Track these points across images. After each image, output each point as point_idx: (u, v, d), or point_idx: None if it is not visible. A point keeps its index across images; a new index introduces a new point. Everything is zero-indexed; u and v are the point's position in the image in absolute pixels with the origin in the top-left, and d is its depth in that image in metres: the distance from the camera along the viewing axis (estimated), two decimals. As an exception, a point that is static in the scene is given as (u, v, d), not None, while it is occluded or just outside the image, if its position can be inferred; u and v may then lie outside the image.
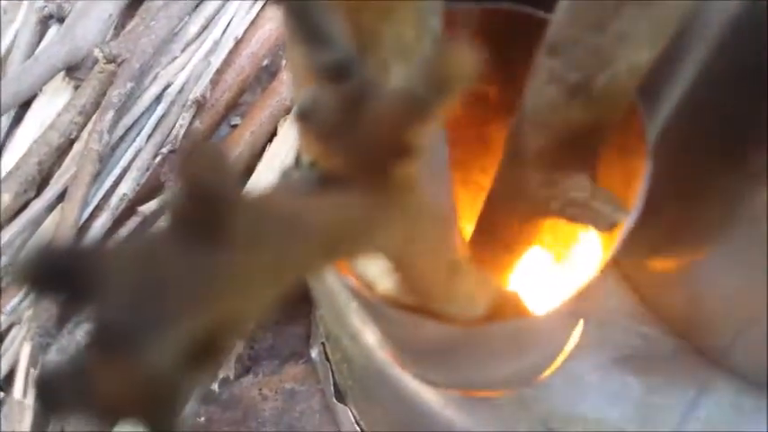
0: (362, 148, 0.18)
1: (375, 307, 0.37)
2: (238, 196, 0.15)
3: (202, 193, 0.14)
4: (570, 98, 0.33)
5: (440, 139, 0.36)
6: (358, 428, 0.73)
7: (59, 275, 0.13)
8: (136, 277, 0.14)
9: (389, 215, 0.19)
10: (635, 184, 0.39)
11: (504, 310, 0.37)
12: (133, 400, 0.13)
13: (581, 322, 0.55)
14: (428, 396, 0.54)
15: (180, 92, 0.89)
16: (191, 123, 0.88)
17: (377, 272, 0.29)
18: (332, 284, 0.57)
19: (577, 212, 0.37)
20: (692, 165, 0.48)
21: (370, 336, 0.56)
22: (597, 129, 0.35)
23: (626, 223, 0.35)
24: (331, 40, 0.17)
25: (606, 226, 0.36)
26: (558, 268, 0.56)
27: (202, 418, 0.81)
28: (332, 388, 0.77)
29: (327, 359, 0.76)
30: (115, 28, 0.99)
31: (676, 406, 0.54)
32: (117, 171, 0.83)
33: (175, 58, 0.91)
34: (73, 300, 0.13)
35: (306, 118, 0.18)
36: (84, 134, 0.87)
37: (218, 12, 0.95)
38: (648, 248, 0.55)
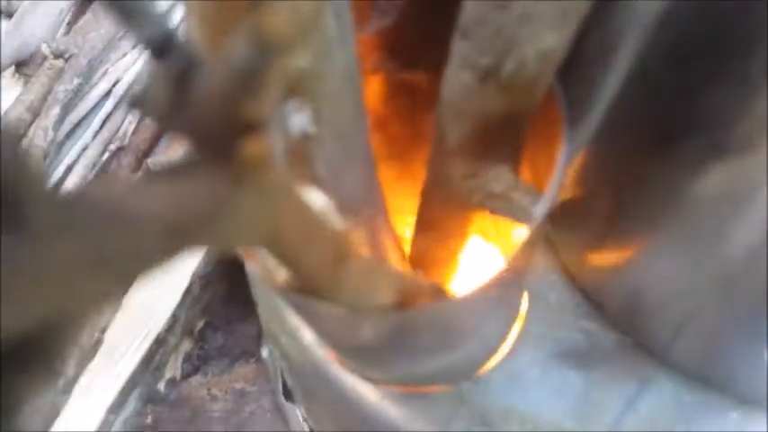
0: (201, 128, 0.17)
1: (294, 301, 0.36)
2: (35, 183, 0.14)
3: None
4: (482, 84, 0.32)
5: (357, 124, 0.35)
6: (306, 427, 0.72)
7: None
8: None
9: (241, 201, 0.18)
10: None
11: (420, 297, 0.37)
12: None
13: (520, 316, 0.55)
14: (366, 392, 0.54)
15: (129, 88, 0.87)
16: (140, 120, 0.86)
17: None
18: (268, 281, 0.56)
19: (498, 204, 0.37)
20: (629, 158, 0.48)
21: (307, 333, 0.55)
22: (514, 117, 0.35)
23: (540, 211, 0.34)
24: (146, 14, 0.16)
25: (525, 218, 0.35)
26: (502, 260, 0.56)
27: (149, 419, 0.80)
28: (281, 387, 0.76)
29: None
30: (68, 24, 0.97)
31: (617, 400, 0.53)
32: (62, 168, 0.82)
33: (125, 53, 0.90)
34: None
35: (137, 103, 0.17)
36: (32, 131, 0.85)
37: (170, 7, 0.94)
38: (589, 242, 0.55)
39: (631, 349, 0.55)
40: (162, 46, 0.16)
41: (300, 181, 0.23)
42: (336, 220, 0.26)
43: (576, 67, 0.37)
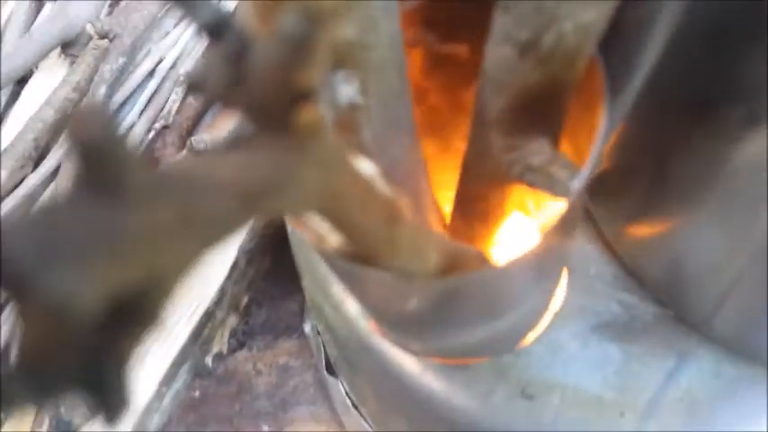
0: (257, 102, 0.18)
1: (343, 269, 0.37)
2: (130, 156, 0.15)
3: (94, 154, 0.14)
4: (522, 57, 0.33)
5: (401, 95, 0.36)
6: (348, 401, 0.73)
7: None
8: (39, 234, 0.14)
9: (302, 168, 0.19)
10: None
11: (465, 263, 0.37)
12: (60, 353, 0.13)
13: (560, 288, 0.55)
14: (408, 364, 0.55)
15: (172, 67, 0.89)
16: (183, 98, 0.88)
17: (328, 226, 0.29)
18: (312, 253, 0.58)
19: (536, 178, 0.37)
20: (668, 129, 0.48)
21: (351, 305, 0.56)
22: (554, 90, 0.35)
23: (577, 185, 0.35)
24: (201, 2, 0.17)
25: (563, 192, 0.35)
26: (542, 234, 0.56)
27: (197, 392, 0.82)
28: (323, 361, 0.77)
29: (319, 332, 0.76)
30: (110, 5, 0.99)
31: (656, 373, 0.54)
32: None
33: (168, 33, 0.91)
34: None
35: (196, 85, 0.18)
36: (79, 110, 0.87)
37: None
38: (628, 214, 0.55)
39: (671, 322, 0.55)
40: (217, 28, 0.17)
41: (349, 149, 0.24)
42: (383, 187, 0.27)
43: (615, 39, 0.37)
